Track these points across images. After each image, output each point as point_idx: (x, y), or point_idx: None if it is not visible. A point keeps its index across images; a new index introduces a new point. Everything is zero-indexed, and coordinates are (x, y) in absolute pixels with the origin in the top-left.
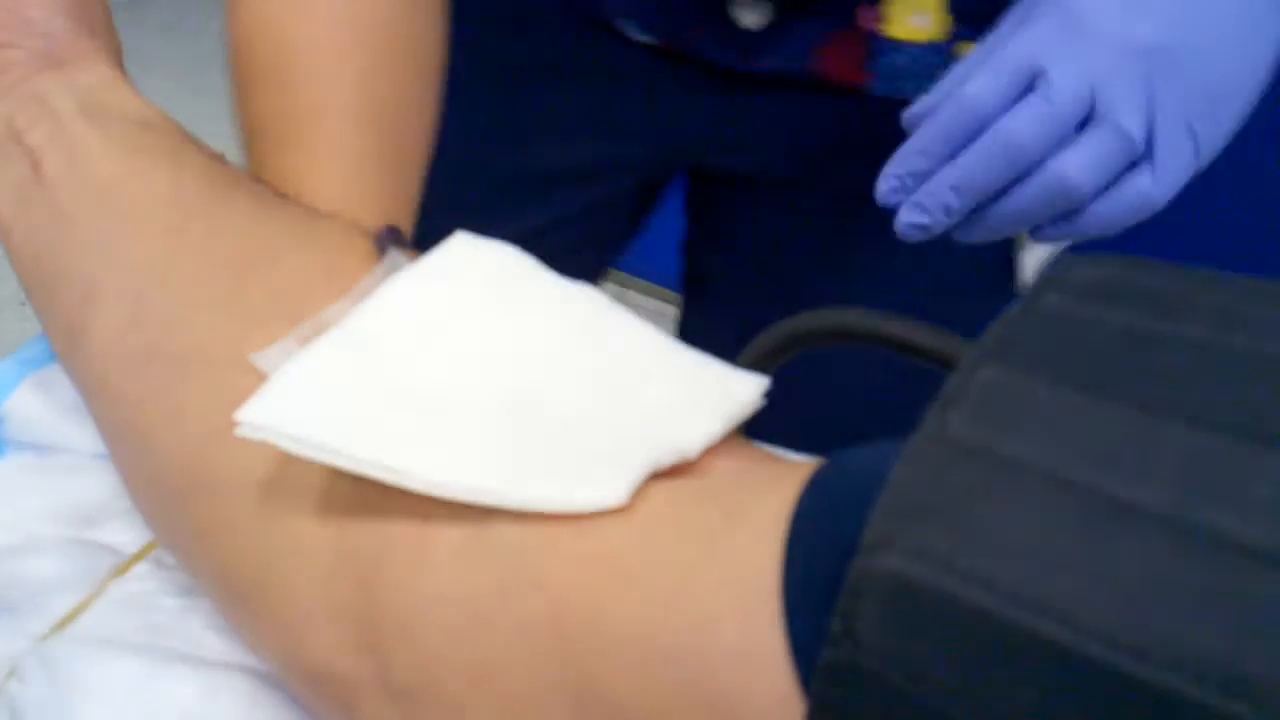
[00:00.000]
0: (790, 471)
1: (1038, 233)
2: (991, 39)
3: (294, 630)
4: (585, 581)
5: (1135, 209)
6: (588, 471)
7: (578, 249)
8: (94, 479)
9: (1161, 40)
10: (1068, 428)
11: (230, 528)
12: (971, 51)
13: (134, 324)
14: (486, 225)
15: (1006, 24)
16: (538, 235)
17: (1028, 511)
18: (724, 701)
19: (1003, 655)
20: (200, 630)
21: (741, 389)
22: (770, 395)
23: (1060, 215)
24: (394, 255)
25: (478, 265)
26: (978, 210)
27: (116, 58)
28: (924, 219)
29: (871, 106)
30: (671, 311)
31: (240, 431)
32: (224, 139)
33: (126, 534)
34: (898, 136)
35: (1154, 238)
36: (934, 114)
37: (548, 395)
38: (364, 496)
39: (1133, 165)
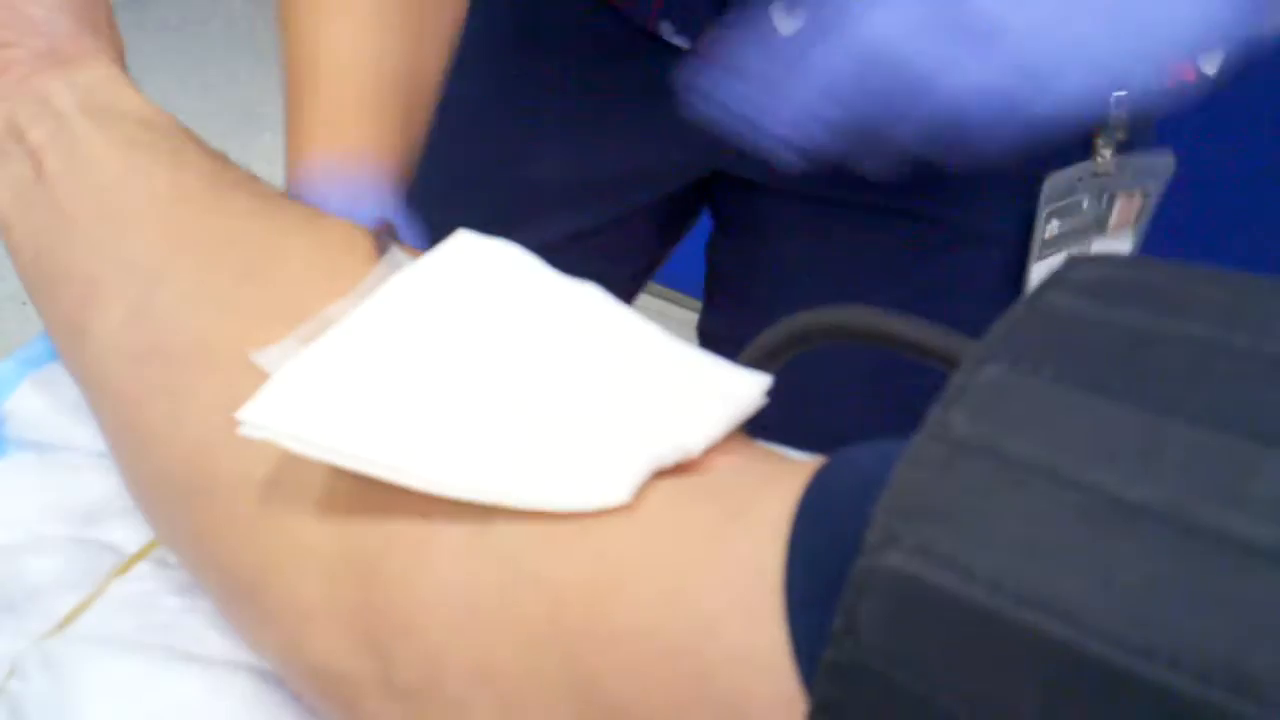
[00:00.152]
0: (793, 470)
1: None
2: None
3: (295, 628)
4: (587, 580)
5: None
6: (590, 470)
7: (606, 263)
8: (95, 478)
9: None
10: (1070, 426)
11: (231, 526)
12: None
13: (135, 323)
14: (509, 234)
15: None
16: (565, 245)
17: (1031, 510)
18: (726, 700)
19: (1006, 654)
20: (201, 629)
21: (744, 387)
22: (773, 393)
23: None
24: (395, 254)
25: (480, 263)
26: None
27: (118, 56)
28: None
29: None
30: (677, 313)
31: (242, 430)
32: (225, 138)
33: (128, 533)
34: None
35: (1156, 236)
36: None
37: (550, 393)
38: (366, 495)
39: None
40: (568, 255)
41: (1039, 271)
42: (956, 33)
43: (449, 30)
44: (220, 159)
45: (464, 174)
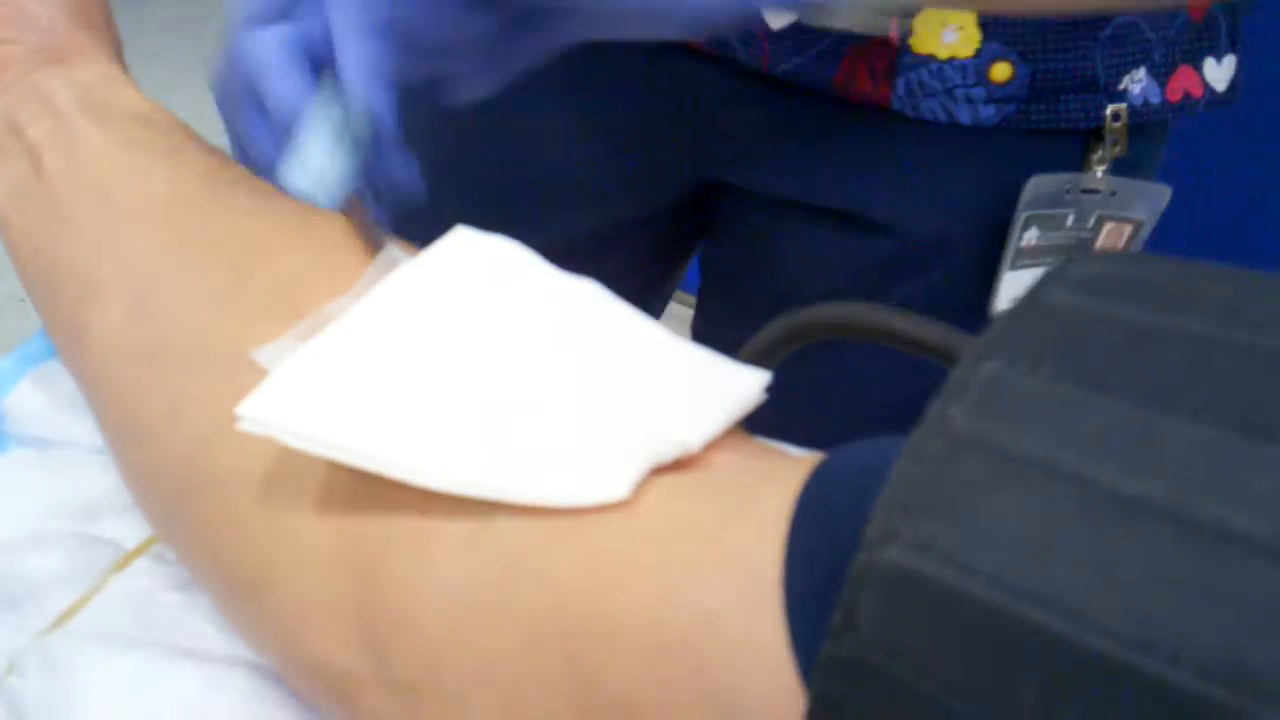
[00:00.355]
0: (792, 466)
1: None
2: None
3: (294, 625)
4: (587, 576)
5: None
6: (589, 466)
7: (613, 271)
8: (94, 474)
9: None
10: (1070, 422)
11: (230, 523)
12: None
13: (134, 320)
14: (502, 232)
15: None
16: (572, 246)
17: (1030, 505)
18: (725, 695)
19: (1005, 649)
20: (200, 625)
21: (743, 384)
22: (772, 390)
23: None
24: (392, 250)
25: (478, 260)
26: None
27: (117, 53)
28: None
29: (895, 126)
30: (676, 310)
31: (241, 426)
32: (223, 136)
33: (126, 529)
34: (918, 159)
35: (1157, 235)
36: None
37: (549, 389)
38: (365, 491)
39: None
40: (564, 262)
41: (1011, 281)
42: None
43: None
44: (219, 156)
45: (454, 170)
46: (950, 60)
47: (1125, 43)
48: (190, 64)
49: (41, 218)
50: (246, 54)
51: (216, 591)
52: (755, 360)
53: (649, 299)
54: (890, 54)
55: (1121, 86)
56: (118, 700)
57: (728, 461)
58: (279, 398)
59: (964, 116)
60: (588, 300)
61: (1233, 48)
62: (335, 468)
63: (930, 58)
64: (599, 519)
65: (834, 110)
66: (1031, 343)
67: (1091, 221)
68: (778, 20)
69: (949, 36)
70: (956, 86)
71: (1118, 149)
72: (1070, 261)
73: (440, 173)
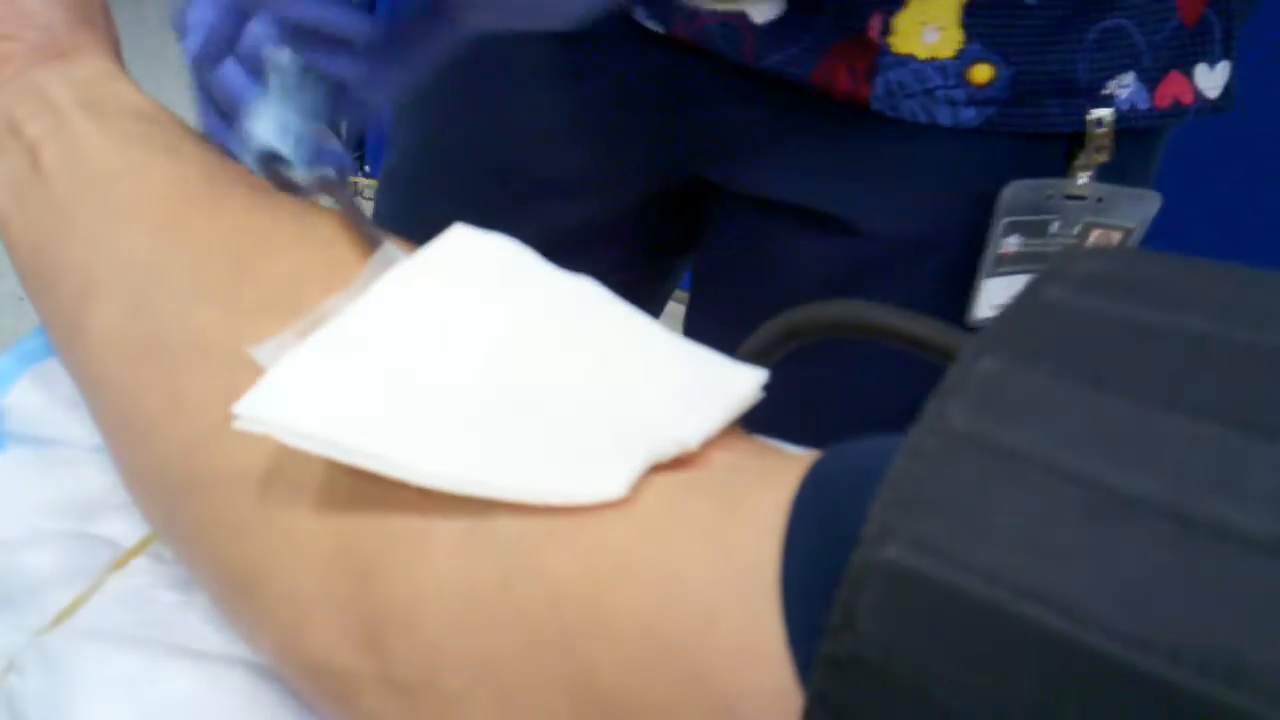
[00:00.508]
0: (790, 464)
1: None
2: None
3: (293, 624)
4: (585, 574)
5: None
6: (587, 464)
7: (603, 269)
8: (92, 473)
9: None
10: (1068, 419)
11: (228, 521)
12: None
13: (132, 317)
14: (486, 224)
15: None
16: (560, 240)
17: (1028, 502)
18: (723, 693)
19: (1003, 646)
20: (198, 624)
21: (741, 382)
22: (769, 388)
23: None
24: (390, 248)
25: (475, 258)
26: None
27: (115, 50)
28: None
29: (876, 126)
30: (673, 308)
31: (238, 424)
32: None
33: (125, 528)
34: (899, 160)
35: (1148, 243)
36: None
37: (547, 387)
38: (363, 490)
39: None
40: (553, 256)
41: (991, 288)
42: None
43: None
44: (217, 154)
45: (439, 161)
46: (930, 60)
47: (1111, 46)
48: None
49: (40, 215)
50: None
51: (214, 590)
52: (753, 359)
53: (643, 300)
54: (871, 53)
55: (1107, 91)
56: (116, 699)
57: (726, 460)
58: (276, 396)
59: (944, 118)
60: (586, 298)
61: (1226, 54)
62: (333, 466)
63: (910, 57)
64: (597, 517)
65: (815, 109)
66: (1030, 340)
67: (1078, 228)
68: (761, 14)
69: (930, 36)
70: (937, 87)
71: (1103, 155)
72: (1069, 259)
73: (425, 164)
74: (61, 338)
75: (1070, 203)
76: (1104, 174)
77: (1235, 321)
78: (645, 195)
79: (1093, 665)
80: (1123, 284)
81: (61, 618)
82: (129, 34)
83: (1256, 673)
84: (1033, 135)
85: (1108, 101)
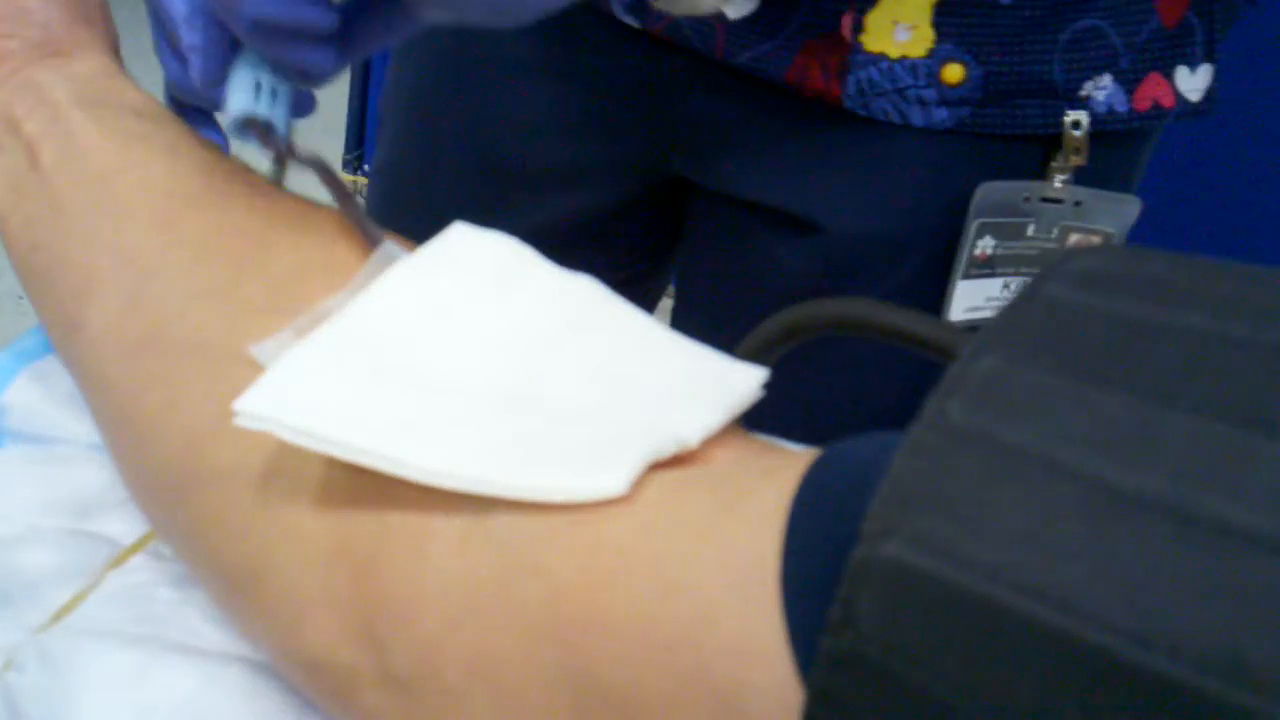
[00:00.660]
0: (790, 461)
1: None
2: None
3: (292, 620)
4: (584, 571)
5: None
6: (587, 461)
7: (591, 267)
8: (91, 470)
9: None
10: (1069, 416)
11: (227, 518)
12: None
13: (130, 315)
14: (469, 219)
15: None
16: (547, 234)
17: (1029, 499)
18: (723, 691)
19: (1003, 643)
20: (197, 621)
21: (741, 380)
22: (769, 386)
23: None
24: (389, 246)
25: (476, 256)
26: None
27: (113, 47)
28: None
29: (849, 125)
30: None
31: (238, 421)
32: None
33: (123, 525)
34: (872, 160)
35: (1138, 239)
36: None
37: (547, 385)
38: (362, 487)
39: None
40: (540, 252)
41: (964, 291)
42: None
43: None
44: (216, 151)
45: (425, 158)
46: (901, 59)
47: (1086, 47)
48: None
49: (38, 212)
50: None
51: (213, 586)
52: (753, 357)
53: (631, 299)
54: (843, 51)
55: (1083, 93)
56: (114, 696)
57: (726, 457)
58: (276, 393)
59: (916, 118)
60: (586, 296)
61: (1209, 57)
62: (332, 463)
63: (882, 56)
64: (597, 514)
65: (789, 107)
66: (1030, 337)
67: (1055, 232)
68: (734, 10)
69: (901, 35)
70: (908, 87)
71: (1079, 158)
72: (1069, 256)
73: (412, 160)
74: (60, 335)
75: (1047, 206)
76: (1083, 177)
77: (1234, 317)
78: (630, 193)
79: (1093, 662)
80: (1123, 281)
81: (60, 615)
82: (129, 33)
83: (1256, 669)
84: (1008, 137)
85: (1084, 103)
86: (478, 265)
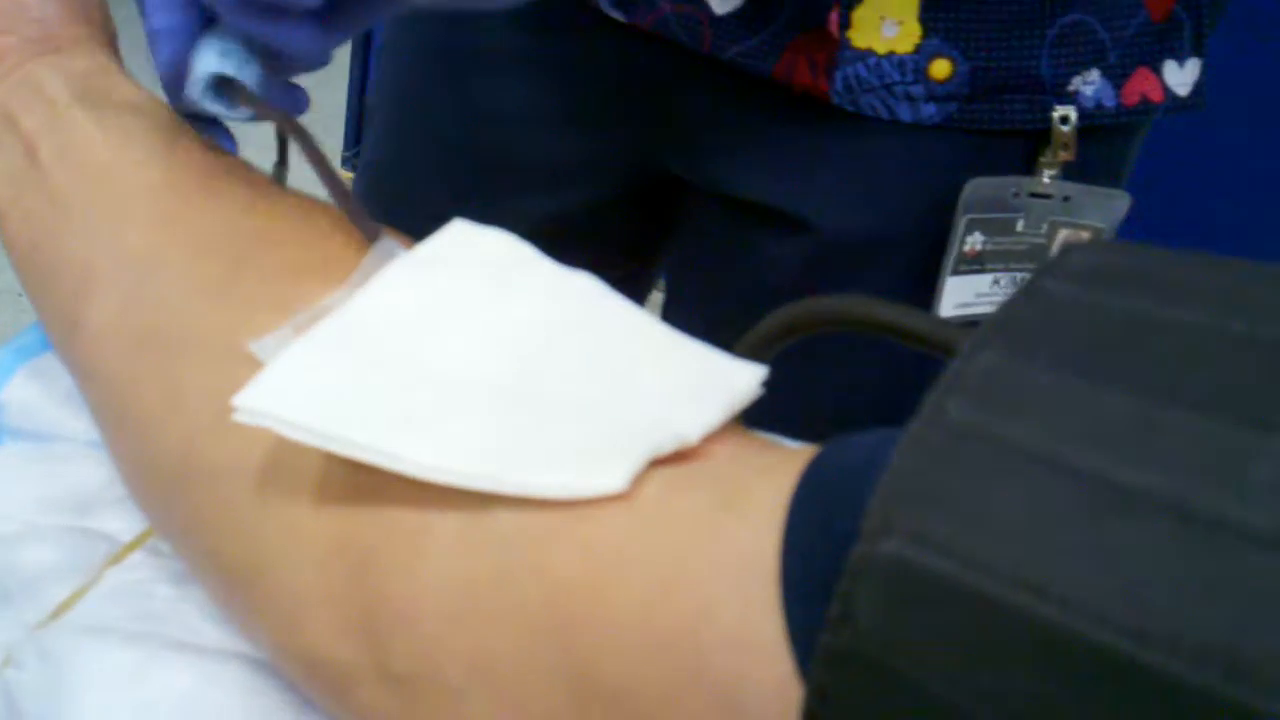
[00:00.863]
0: (789, 458)
1: None
2: None
3: (290, 617)
4: (583, 568)
5: None
6: (587, 457)
7: (581, 262)
8: (89, 467)
9: None
10: (1068, 412)
11: (226, 514)
12: None
13: (129, 311)
14: (457, 214)
15: None
16: (537, 229)
17: (1028, 496)
18: (722, 688)
19: (1002, 639)
20: (196, 618)
21: (740, 377)
22: (769, 383)
23: None
24: (388, 242)
25: (475, 252)
26: None
27: (112, 44)
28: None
29: (837, 122)
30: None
31: (237, 417)
32: None
33: (122, 522)
34: (860, 157)
35: (1128, 235)
36: None
37: (546, 381)
38: (361, 483)
39: None
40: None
41: (954, 287)
42: None
43: None
44: (213, 147)
45: (414, 153)
46: (889, 55)
47: (1073, 42)
48: None
49: (36, 209)
50: None
51: (212, 583)
52: (752, 353)
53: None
54: (831, 47)
55: (1071, 88)
56: (113, 693)
57: (725, 454)
58: (275, 389)
59: (904, 114)
60: (586, 293)
61: (1197, 51)
62: (331, 459)
63: (869, 52)
64: (596, 511)
65: (777, 104)
66: (1029, 333)
67: (1044, 227)
68: (720, 4)
69: (889, 31)
70: (895, 83)
71: (1067, 153)
72: (1068, 252)
73: (400, 155)
74: (59, 332)
75: (1036, 201)
76: (1071, 173)
77: (1233, 313)
78: (618, 189)
79: (1091, 657)
80: (1122, 277)
81: (59, 612)
82: (128, 31)
83: (1255, 666)
84: (996, 132)
85: (1072, 98)
86: (477, 262)
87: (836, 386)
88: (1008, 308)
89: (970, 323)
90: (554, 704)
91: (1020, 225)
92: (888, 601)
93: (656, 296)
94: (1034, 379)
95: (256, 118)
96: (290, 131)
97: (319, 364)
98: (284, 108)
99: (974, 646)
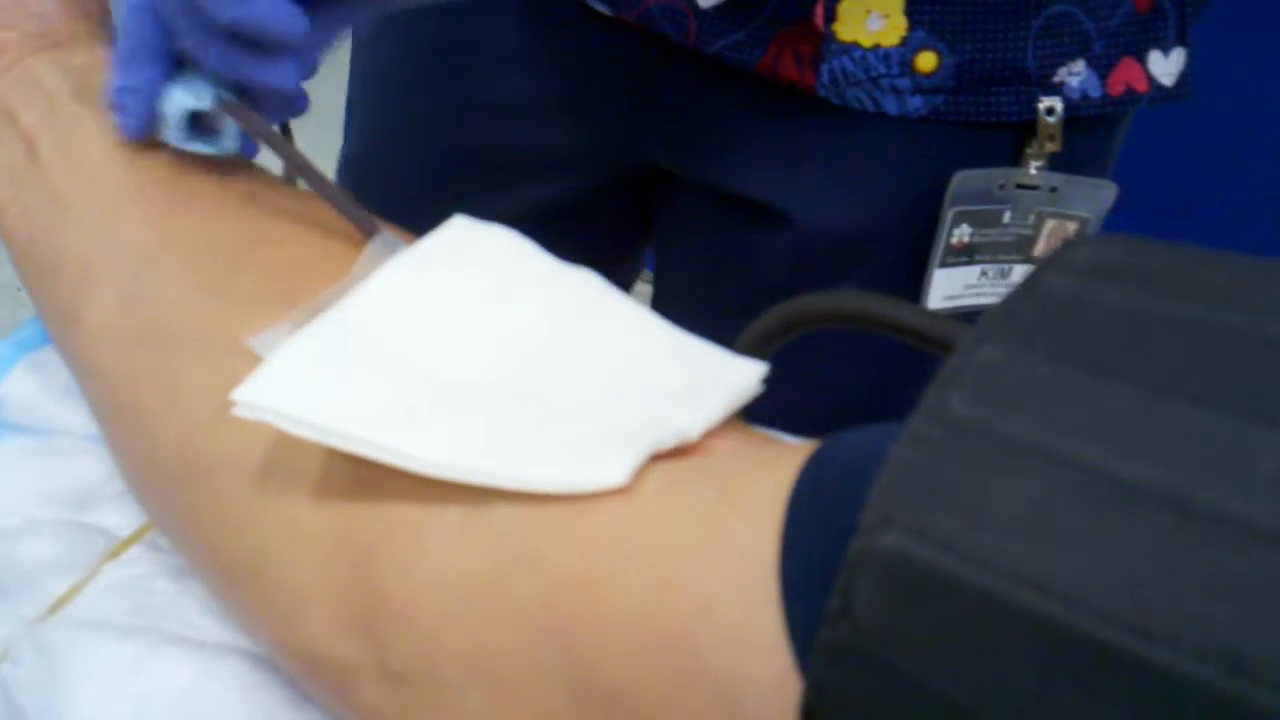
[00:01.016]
0: (789, 453)
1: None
2: None
3: (289, 613)
4: (582, 563)
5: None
6: (587, 452)
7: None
8: (88, 462)
9: None
10: (1069, 406)
11: (225, 510)
12: None
13: (128, 307)
14: (443, 206)
15: None
16: (525, 219)
17: (1028, 490)
18: (721, 683)
19: (1002, 634)
20: (194, 613)
21: (741, 374)
22: (769, 380)
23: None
24: (387, 238)
25: (476, 248)
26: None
27: (111, 40)
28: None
29: (824, 115)
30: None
31: (237, 411)
32: None
33: (120, 517)
34: (847, 150)
35: (1115, 224)
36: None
37: (547, 377)
38: (361, 478)
39: None
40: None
41: (942, 279)
42: None
43: None
44: None
45: (399, 145)
46: (875, 48)
47: (1059, 34)
48: None
49: (36, 204)
50: None
51: (211, 578)
52: (752, 350)
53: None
54: (817, 40)
55: (1057, 79)
56: (111, 688)
57: (725, 449)
58: (274, 384)
59: (891, 107)
60: (586, 289)
61: (1182, 40)
62: (331, 454)
63: (855, 45)
64: (597, 506)
65: (763, 97)
66: (1029, 328)
67: (1031, 218)
68: None
69: (874, 24)
70: (881, 76)
71: (1054, 144)
72: (1069, 247)
73: (385, 148)
74: (58, 327)
75: (1023, 193)
76: (1058, 163)
77: (1235, 309)
78: (604, 181)
79: (1091, 652)
80: (1122, 272)
81: (57, 607)
82: None
83: (1256, 661)
84: (983, 124)
85: (1058, 89)
86: (478, 258)
87: (836, 382)
88: (1008, 302)
89: (961, 315)
90: (553, 701)
91: (1008, 217)
92: (887, 596)
93: (643, 289)
94: (1034, 373)
95: (243, 130)
96: (272, 145)
97: (318, 359)
98: (280, 110)
99: (974, 642)
